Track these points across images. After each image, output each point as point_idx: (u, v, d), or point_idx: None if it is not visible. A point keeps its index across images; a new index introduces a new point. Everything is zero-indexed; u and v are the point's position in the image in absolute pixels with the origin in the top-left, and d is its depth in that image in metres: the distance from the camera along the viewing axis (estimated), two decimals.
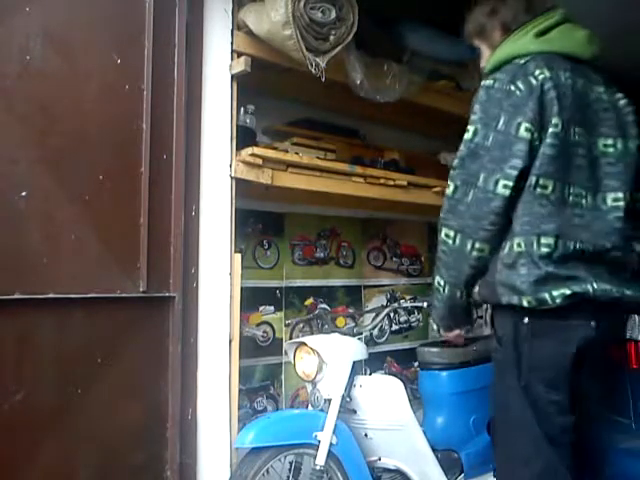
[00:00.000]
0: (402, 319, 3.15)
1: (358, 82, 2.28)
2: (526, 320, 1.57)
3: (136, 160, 1.95)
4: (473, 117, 1.60)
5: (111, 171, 1.90)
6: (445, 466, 2.29)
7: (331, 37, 2.12)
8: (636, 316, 2.02)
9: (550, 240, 1.52)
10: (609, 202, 1.62)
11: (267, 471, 1.91)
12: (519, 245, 1.54)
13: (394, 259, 3.18)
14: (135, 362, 1.94)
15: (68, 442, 1.79)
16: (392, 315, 3.06)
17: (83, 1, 1.89)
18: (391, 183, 2.64)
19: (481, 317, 3.61)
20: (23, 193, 1.74)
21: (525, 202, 1.55)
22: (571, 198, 1.58)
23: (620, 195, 1.62)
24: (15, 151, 1.74)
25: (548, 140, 1.54)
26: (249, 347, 2.46)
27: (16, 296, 1.70)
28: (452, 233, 1.59)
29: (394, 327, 3.11)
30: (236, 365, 2.13)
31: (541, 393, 1.59)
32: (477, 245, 1.57)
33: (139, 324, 1.95)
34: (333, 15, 2.09)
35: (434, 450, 2.28)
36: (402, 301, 2.25)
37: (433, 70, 2.67)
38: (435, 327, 1.89)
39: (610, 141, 1.65)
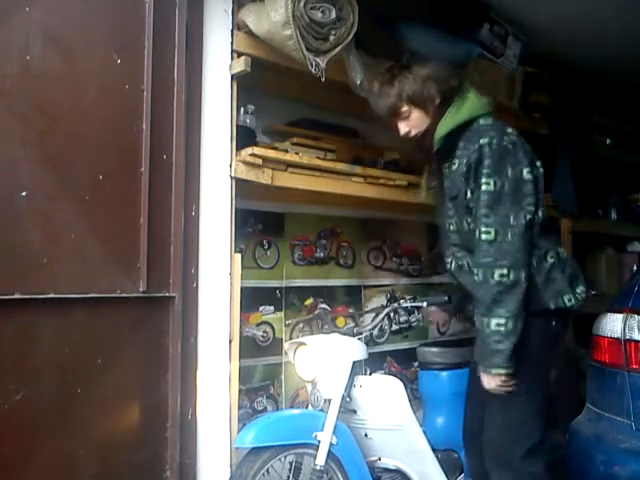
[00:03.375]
0: (402, 319, 3.15)
1: (358, 82, 2.28)
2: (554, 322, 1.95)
3: (136, 160, 1.95)
4: (488, 171, 1.87)
5: (111, 171, 1.90)
6: (445, 466, 2.29)
7: (331, 37, 2.12)
8: (636, 316, 2.02)
9: (561, 249, 2.02)
10: (545, 214, 2.01)
11: (267, 471, 1.91)
12: (552, 257, 1.94)
13: (394, 259, 3.18)
14: (135, 362, 1.94)
15: (68, 442, 1.79)
16: (392, 315, 3.06)
17: (83, 1, 1.89)
18: (391, 183, 2.64)
19: None
20: (23, 193, 1.74)
21: (541, 225, 1.93)
22: None
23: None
24: (15, 151, 1.74)
25: (540, 178, 1.97)
26: (249, 347, 2.46)
27: (16, 296, 1.70)
28: (505, 271, 1.82)
29: (394, 327, 3.11)
30: (236, 365, 2.13)
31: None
32: (526, 272, 1.85)
33: (139, 324, 1.95)
34: (333, 15, 2.09)
35: (434, 450, 2.28)
36: (402, 301, 2.25)
37: None
38: (501, 371, 1.83)
39: (538, 163, 2.04)
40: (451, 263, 2.08)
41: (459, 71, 2.16)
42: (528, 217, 1.87)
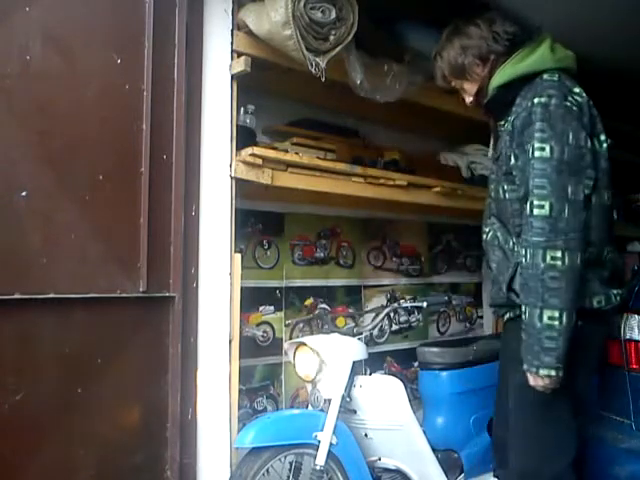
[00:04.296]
0: (402, 319, 3.15)
1: (358, 82, 2.28)
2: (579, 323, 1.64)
3: (136, 160, 1.95)
4: (542, 135, 1.62)
5: (111, 171, 1.90)
6: (445, 466, 2.29)
7: (331, 37, 2.11)
8: (636, 316, 2.02)
9: (610, 248, 1.73)
10: (608, 200, 1.71)
11: (267, 471, 1.92)
12: (591, 254, 1.66)
13: (394, 259, 3.18)
14: (135, 362, 1.94)
15: (68, 442, 1.79)
16: (392, 315, 3.07)
17: (83, 1, 1.89)
18: (391, 183, 2.63)
19: (481, 317, 3.62)
20: (23, 193, 1.74)
21: (595, 211, 1.66)
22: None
23: (610, 193, 1.73)
24: (15, 151, 1.74)
25: (604, 154, 1.70)
26: (249, 347, 2.46)
27: (16, 296, 1.70)
28: (559, 253, 1.56)
29: (394, 327, 3.11)
30: (236, 365, 2.13)
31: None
32: (581, 256, 1.59)
33: (139, 324, 1.95)
34: (333, 15, 2.09)
35: (434, 450, 2.28)
36: (402, 301, 2.25)
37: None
38: (551, 373, 1.57)
39: (603, 137, 1.73)
40: (488, 233, 1.86)
41: (511, 28, 1.90)
42: (587, 192, 1.61)
